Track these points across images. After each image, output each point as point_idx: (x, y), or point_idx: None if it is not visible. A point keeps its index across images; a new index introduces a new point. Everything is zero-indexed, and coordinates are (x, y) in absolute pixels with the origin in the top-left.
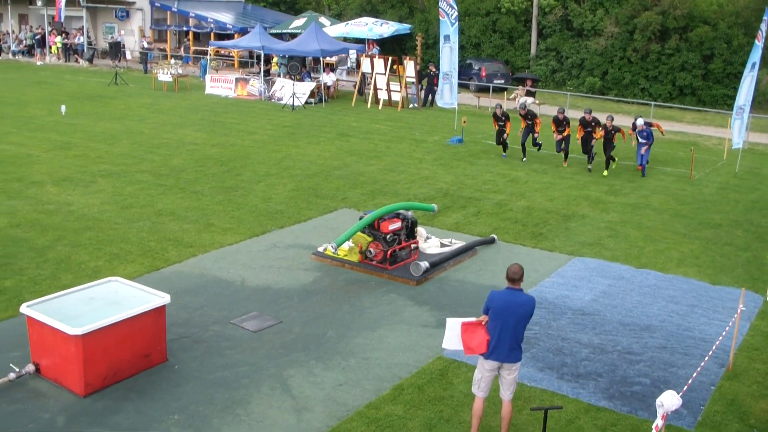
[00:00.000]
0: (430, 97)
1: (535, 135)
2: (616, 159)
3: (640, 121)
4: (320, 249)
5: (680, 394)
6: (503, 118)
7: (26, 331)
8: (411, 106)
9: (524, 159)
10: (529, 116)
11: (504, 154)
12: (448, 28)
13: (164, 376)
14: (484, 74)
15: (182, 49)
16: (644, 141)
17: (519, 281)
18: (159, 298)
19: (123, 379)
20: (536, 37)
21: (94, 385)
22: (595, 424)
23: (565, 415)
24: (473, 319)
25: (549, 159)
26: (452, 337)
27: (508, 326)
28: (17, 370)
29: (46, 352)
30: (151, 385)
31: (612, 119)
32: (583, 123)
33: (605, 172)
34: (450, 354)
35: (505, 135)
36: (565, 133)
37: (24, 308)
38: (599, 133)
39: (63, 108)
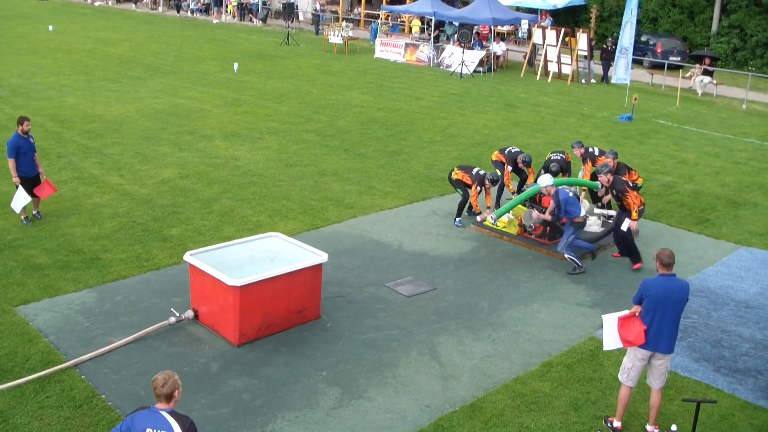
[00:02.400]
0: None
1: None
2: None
3: (544, 181)
4: (479, 219)
5: None
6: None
7: (188, 279)
8: (592, 81)
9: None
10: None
11: (460, 220)
12: (632, 1)
13: (316, 333)
14: (659, 50)
15: (390, 18)
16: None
17: (672, 266)
18: (317, 256)
19: (276, 332)
20: (719, 12)
21: (248, 336)
22: (750, 424)
23: (719, 410)
24: (626, 311)
25: (722, 142)
26: (611, 334)
27: (667, 315)
28: (177, 314)
29: (206, 300)
30: (302, 341)
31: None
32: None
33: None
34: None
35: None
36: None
37: (187, 256)
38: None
39: (236, 65)
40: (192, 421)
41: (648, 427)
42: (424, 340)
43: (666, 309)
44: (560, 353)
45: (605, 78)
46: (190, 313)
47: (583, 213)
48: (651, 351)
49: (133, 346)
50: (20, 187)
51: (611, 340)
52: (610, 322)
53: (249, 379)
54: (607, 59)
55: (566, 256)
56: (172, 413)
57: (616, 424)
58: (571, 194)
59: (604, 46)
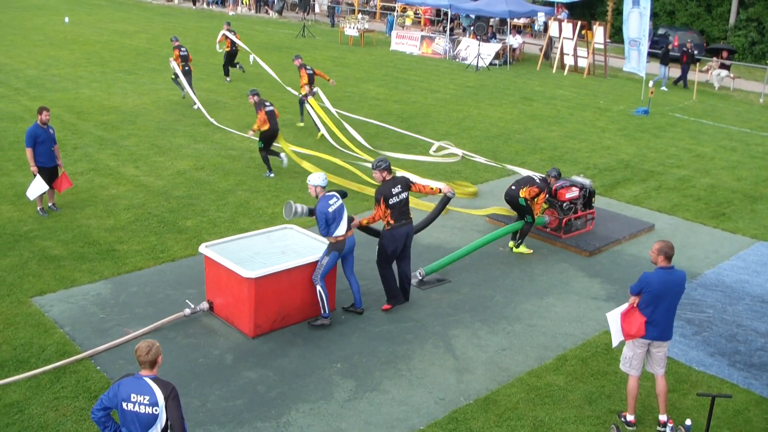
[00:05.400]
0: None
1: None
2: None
3: (314, 179)
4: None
5: None
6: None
7: (203, 270)
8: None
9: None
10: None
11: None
12: None
13: (331, 325)
14: (676, 44)
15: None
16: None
17: (672, 258)
18: None
19: (291, 324)
20: (737, 5)
21: (263, 328)
22: (766, 419)
23: (734, 404)
24: (626, 305)
25: (738, 136)
26: (617, 330)
27: (668, 306)
28: (192, 306)
29: (220, 291)
30: (317, 333)
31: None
32: None
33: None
34: None
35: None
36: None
37: (202, 248)
38: None
39: (251, 57)
40: (173, 387)
41: (661, 418)
42: (439, 332)
43: (666, 301)
44: (575, 347)
45: (677, 82)
46: (204, 305)
47: (342, 232)
48: (650, 340)
49: (148, 337)
50: (38, 175)
51: (617, 335)
52: (614, 318)
53: (264, 371)
54: (687, 63)
55: (318, 288)
56: (155, 379)
57: (630, 417)
58: (331, 210)
59: (684, 49)
